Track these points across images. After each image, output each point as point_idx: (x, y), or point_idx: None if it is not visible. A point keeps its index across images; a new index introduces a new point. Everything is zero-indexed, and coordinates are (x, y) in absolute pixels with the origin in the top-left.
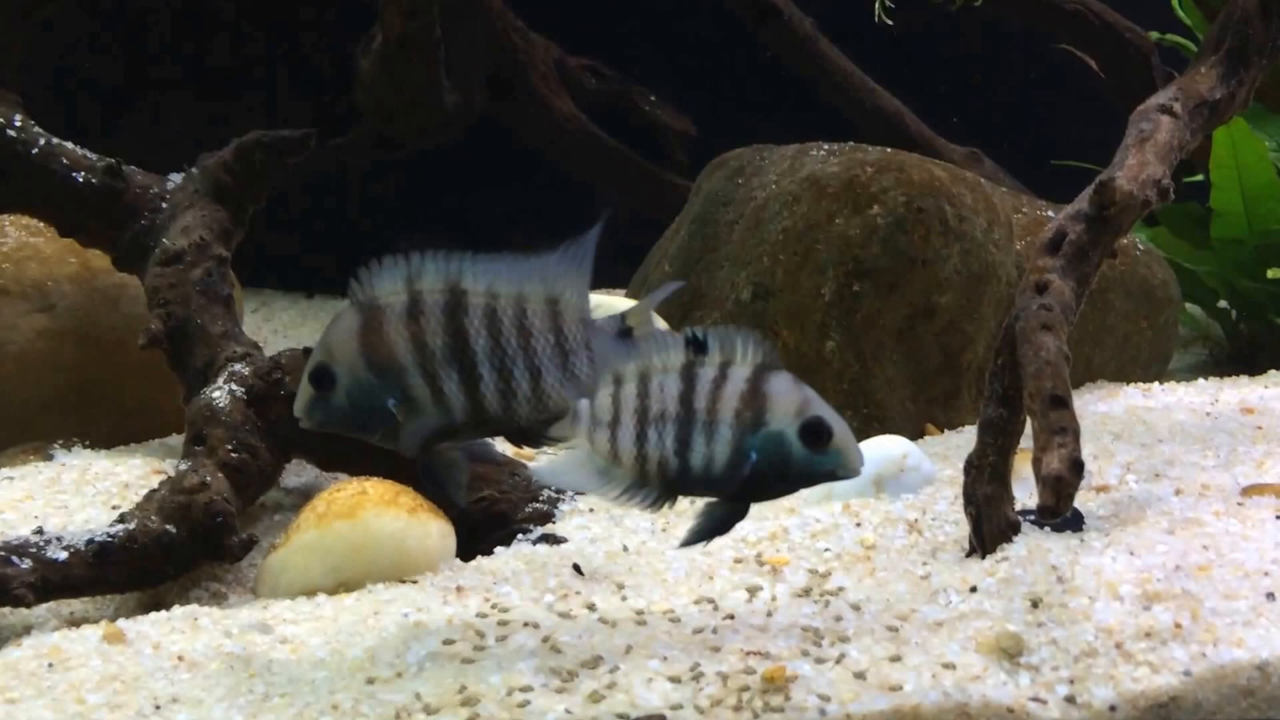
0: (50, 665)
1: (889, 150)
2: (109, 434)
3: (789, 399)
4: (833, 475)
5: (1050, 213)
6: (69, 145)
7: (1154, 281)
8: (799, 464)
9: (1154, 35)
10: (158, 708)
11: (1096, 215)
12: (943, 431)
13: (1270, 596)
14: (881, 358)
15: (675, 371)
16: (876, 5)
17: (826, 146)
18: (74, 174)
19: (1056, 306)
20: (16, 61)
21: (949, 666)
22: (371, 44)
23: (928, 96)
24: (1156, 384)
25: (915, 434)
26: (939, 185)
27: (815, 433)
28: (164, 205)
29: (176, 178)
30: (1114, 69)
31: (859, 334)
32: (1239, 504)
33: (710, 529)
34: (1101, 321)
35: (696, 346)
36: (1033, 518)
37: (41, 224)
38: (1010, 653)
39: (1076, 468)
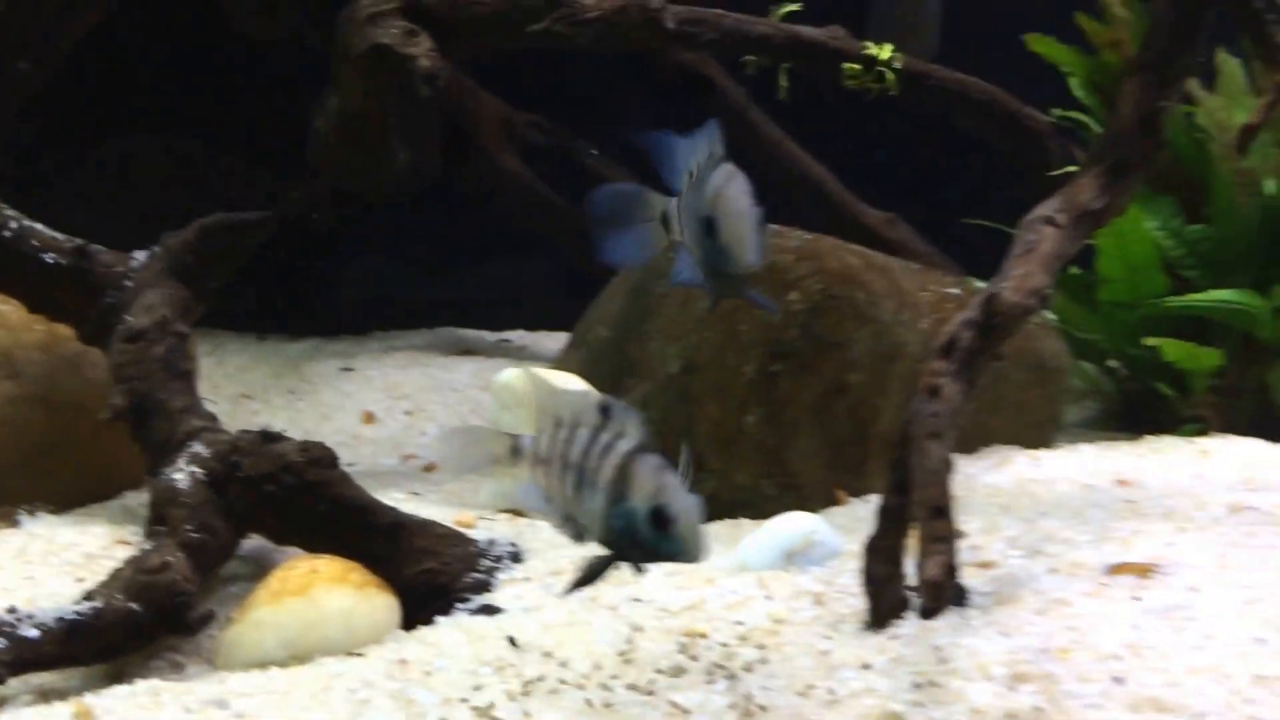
0: None
1: (809, 238)
2: (71, 493)
3: (647, 482)
4: (672, 558)
5: (955, 289)
6: (39, 227)
7: (1046, 354)
8: (645, 541)
9: (1057, 111)
10: None
11: (985, 324)
12: (852, 499)
13: (1118, 680)
14: (797, 431)
15: (588, 429)
16: (781, 80)
17: None
18: (44, 255)
19: (944, 413)
20: None
21: None
22: (325, 105)
23: (851, 160)
24: (1045, 451)
25: (827, 500)
26: (852, 274)
27: (659, 518)
28: (128, 283)
29: (140, 255)
30: (1016, 150)
31: (777, 409)
32: (1103, 584)
33: (582, 580)
34: (998, 391)
35: (604, 413)
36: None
37: None
38: None
39: (951, 572)
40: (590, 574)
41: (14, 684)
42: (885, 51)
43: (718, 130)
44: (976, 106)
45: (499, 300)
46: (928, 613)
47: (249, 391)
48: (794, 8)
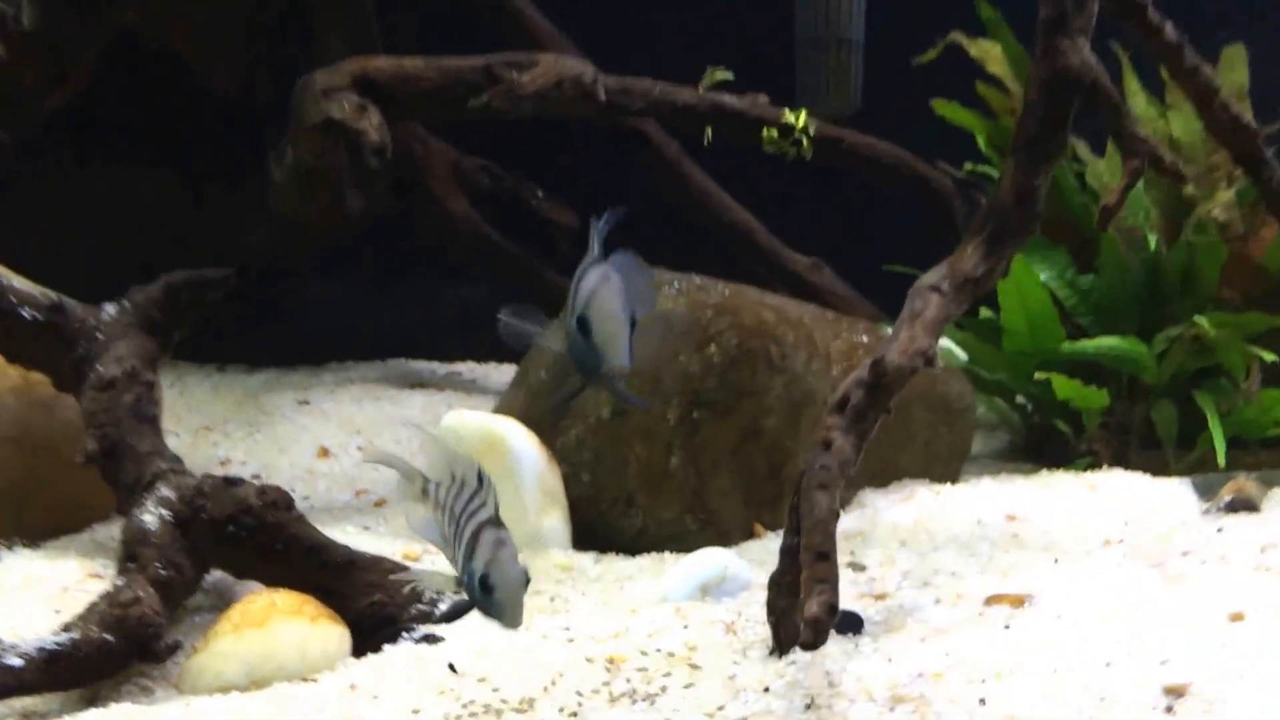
0: None
1: (729, 292)
2: (44, 527)
3: (484, 550)
4: (498, 619)
5: (865, 337)
6: (17, 283)
7: (951, 395)
8: (479, 599)
9: (968, 166)
10: None
11: (873, 384)
12: (768, 532)
13: (982, 701)
14: (717, 472)
15: (469, 490)
16: (707, 131)
17: (678, 283)
18: (21, 309)
19: (834, 465)
20: None
21: None
22: (284, 156)
23: (777, 208)
24: (949, 485)
25: (746, 534)
26: (766, 328)
27: (485, 585)
28: (99, 335)
29: (110, 309)
30: (923, 207)
31: (698, 452)
32: (980, 613)
33: (446, 618)
34: (906, 430)
35: (479, 480)
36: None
37: None
38: None
39: (832, 611)
40: (452, 614)
41: (2, 708)
42: (801, 118)
43: (600, 228)
44: (885, 169)
45: (449, 329)
46: (807, 646)
47: (210, 424)
48: (725, 76)
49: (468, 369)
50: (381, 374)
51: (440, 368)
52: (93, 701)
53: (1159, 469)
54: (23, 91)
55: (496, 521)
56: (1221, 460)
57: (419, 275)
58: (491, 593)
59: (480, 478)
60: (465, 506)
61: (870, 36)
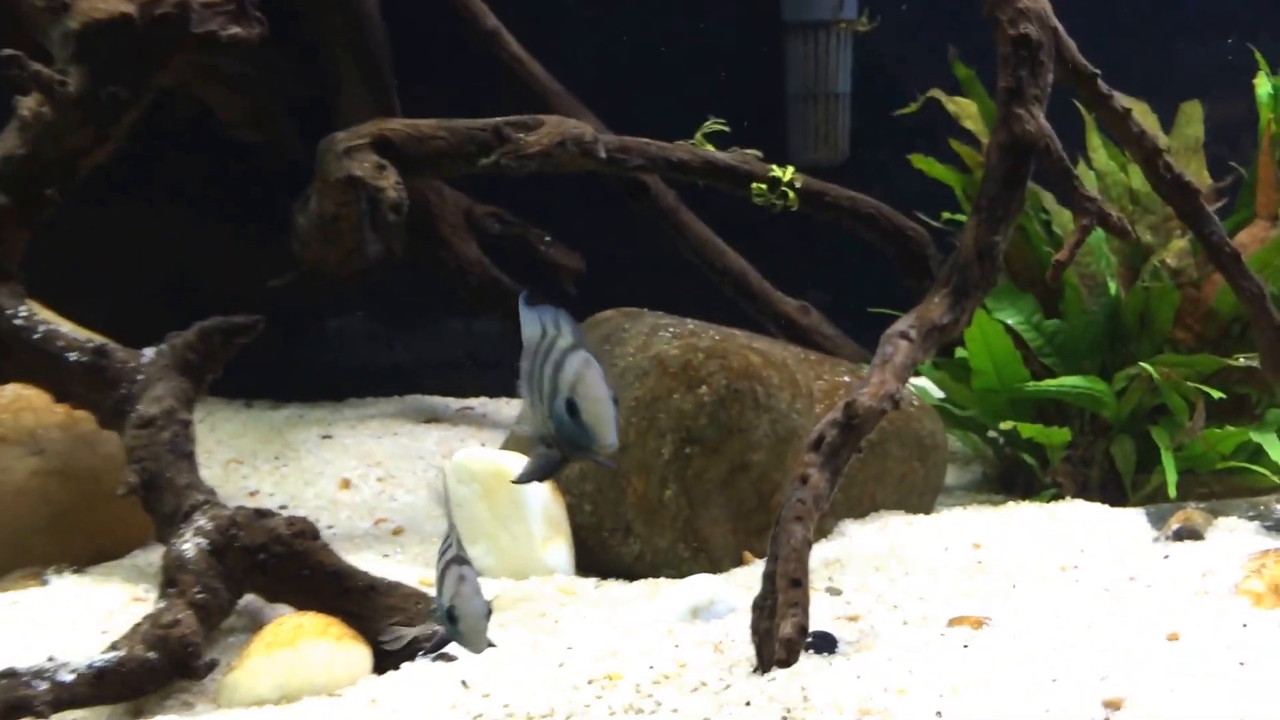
0: None
1: (719, 337)
2: (88, 554)
3: (450, 586)
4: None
5: (846, 377)
6: (63, 329)
7: (924, 433)
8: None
9: (945, 215)
10: None
11: (846, 423)
12: (757, 559)
13: (939, 713)
14: (708, 503)
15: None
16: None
17: (673, 328)
18: (68, 354)
19: (810, 499)
20: (19, 258)
21: None
22: (307, 204)
23: (769, 251)
24: (922, 516)
25: (736, 560)
26: (753, 370)
27: (451, 615)
28: (139, 377)
29: (149, 352)
30: (900, 258)
31: (690, 485)
32: (942, 634)
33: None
34: (882, 465)
35: (451, 527)
36: (807, 641)
37: None
38: None
39: (803, 632)
40: (435, 646)
41: None
42: (788, 173)
43: (569, 317)
44: (865, 219)
45: (461, 367)
46: (781, 664)
47: (239, 456)
48: (719, 126)
49: (480, 404)
50: (399, 409)
51: (454, 403)
52: (138, 715)
53: (1118, 500)
54: (67, 151)
55: (461, 559)
56: (1172, 491)
57: (433, 315)
58: (456, 623)
59: (449, 522)
60: (442, 546)
61: (856, 90)
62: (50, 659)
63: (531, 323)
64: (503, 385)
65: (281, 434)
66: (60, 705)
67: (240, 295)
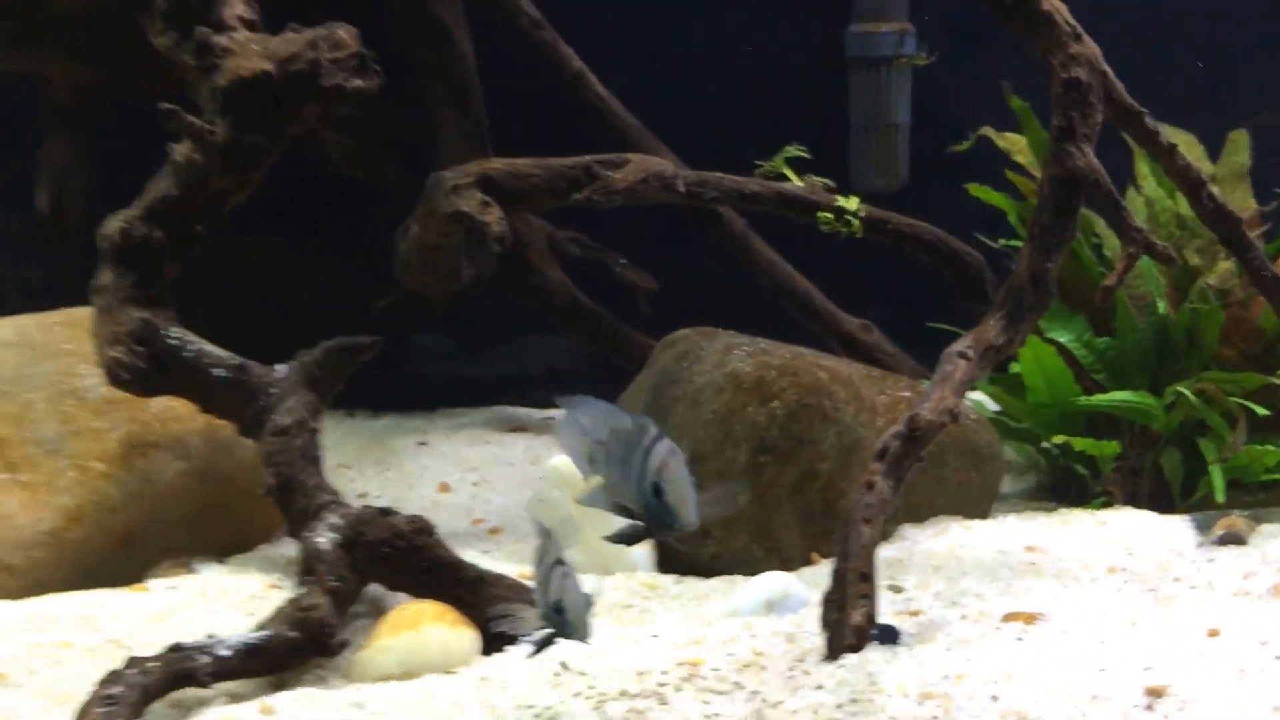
0: None
1: (789, 355)
2: (224, 546)
3: (555, 587)
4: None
5: (906, 392)
6: (209, 348)
7: (980, 443)
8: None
9: (1002, 241)
10: None
11: (908, 435)
12: (823, 560)
13: (995, 698)
14: (779, 508)
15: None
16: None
17: (746, 346)
18: (214, 370)
19: (876, 503)
20: (169, 285)
21: None
22: (408, 233)
23: (831, 274)
24: (979, 521)
25: (804, 561)
26: (821, 386)
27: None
28: (274, 391)
29: (282, 369)
30: (958, 280)
31: (763, 491)
32: (998, 628)
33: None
34: (941, 474)
35: (546, 535)
36: (872, 633)
37: None
38: None
39: (871, 620)
40: (539, 646)
41: (213, 690)
42: (853, 203)
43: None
44: (924, 245)
45: (543, 379)
46: (851, 649)
47: (346, 462)
48: (799, 153)
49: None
50: (487, 419)
51: (537, 413)
52: (280, 686)
53: (1166, 508)
54: (213, 192)
55: (561, 561)
56: (1220, 497)
57: (517, 332)
58: (563, 614)
59: (547, 532)
60: (538, 550)
61: (916, 120)
62: (210, 636)
63: (612, 414)
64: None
65: (382, 441)
66: (219, 676)
67: (342, 315)
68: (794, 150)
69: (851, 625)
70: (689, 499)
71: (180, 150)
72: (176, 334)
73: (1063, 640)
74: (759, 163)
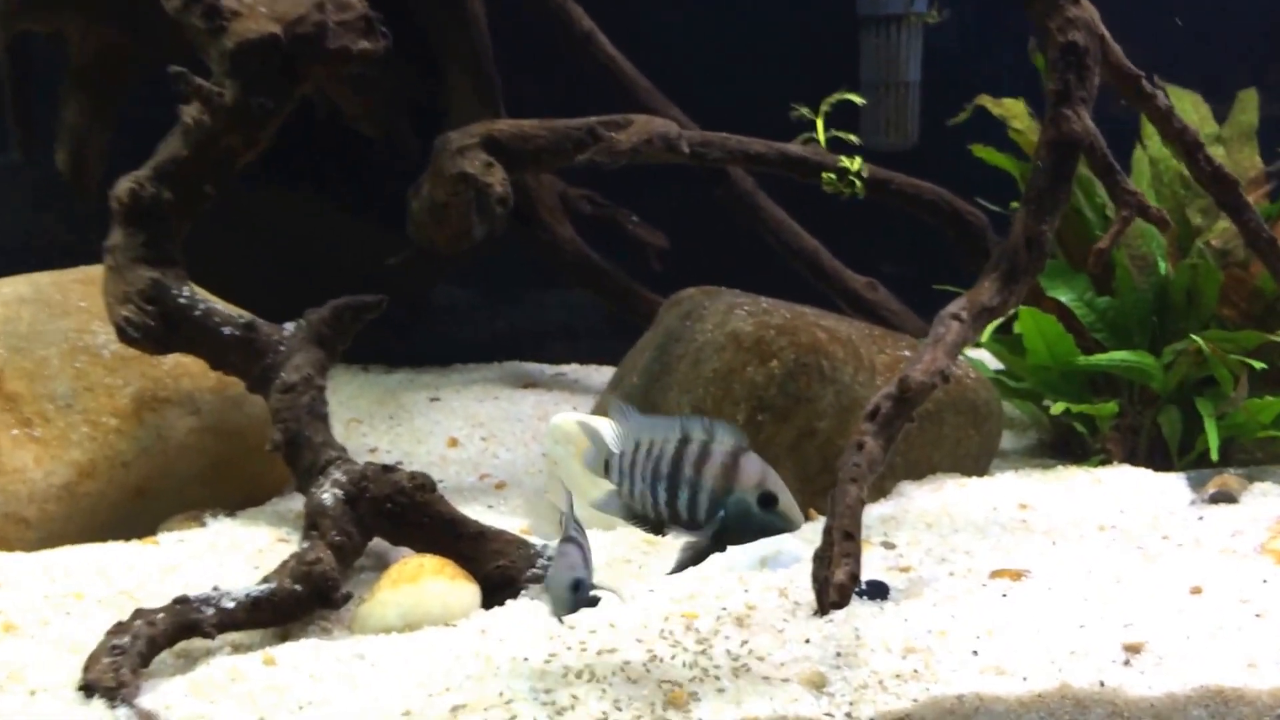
0: (232, 679)
1: (789, 314)
2: (235, 500)
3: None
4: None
5: (906, 351)
6: (219, 305)
7: (979, 401)
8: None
9: (1014, 205)
10: (300, 708)
11: (899, 397)
12: (820, 516)
13: (975, 653)
14: (777, 465)
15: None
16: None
17: (748, 305)
18: (223, 328)
19: (864, 463)
20: (181, 244)
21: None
22: (420, 191)
23: (839, 233)
24: (975, 479)
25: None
26: (819, 345)
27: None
28: (282, 348)
29: (290, 327)
30: (961, 240)
31: (762, 449)
32: (984, 584)
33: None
34: (939, 432)
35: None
36: (861, 589)
37: None
38: (818, 685)
39: (854, 579)
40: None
41: (218, 640)
42: (855, 163)
43: (726, 424)
44: (927, 205)
45: (556, 335)
46: (835, 605)
47: (358, 417)
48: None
49: (572, 370)
50: (499, 375)
51: (549, 369)
52: (284, 638)
53: (1164, 466)
54: (222, 153)
55: (569, 538)
56: (1214, 454)
57: (530, 287)
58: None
59: (570, 505)
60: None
61: (926, 79)
62: (215, 588)
63: (657, 426)
64: (592, 352)
65: (395, 396)
66: (224, 627)
67: (358, 272)
68: (841, 96)
69: (835, 583)
70: (796, 504)
71: (189, 112)
72: (186, 292)
73: (1046, 597)
74: (795, 105)
